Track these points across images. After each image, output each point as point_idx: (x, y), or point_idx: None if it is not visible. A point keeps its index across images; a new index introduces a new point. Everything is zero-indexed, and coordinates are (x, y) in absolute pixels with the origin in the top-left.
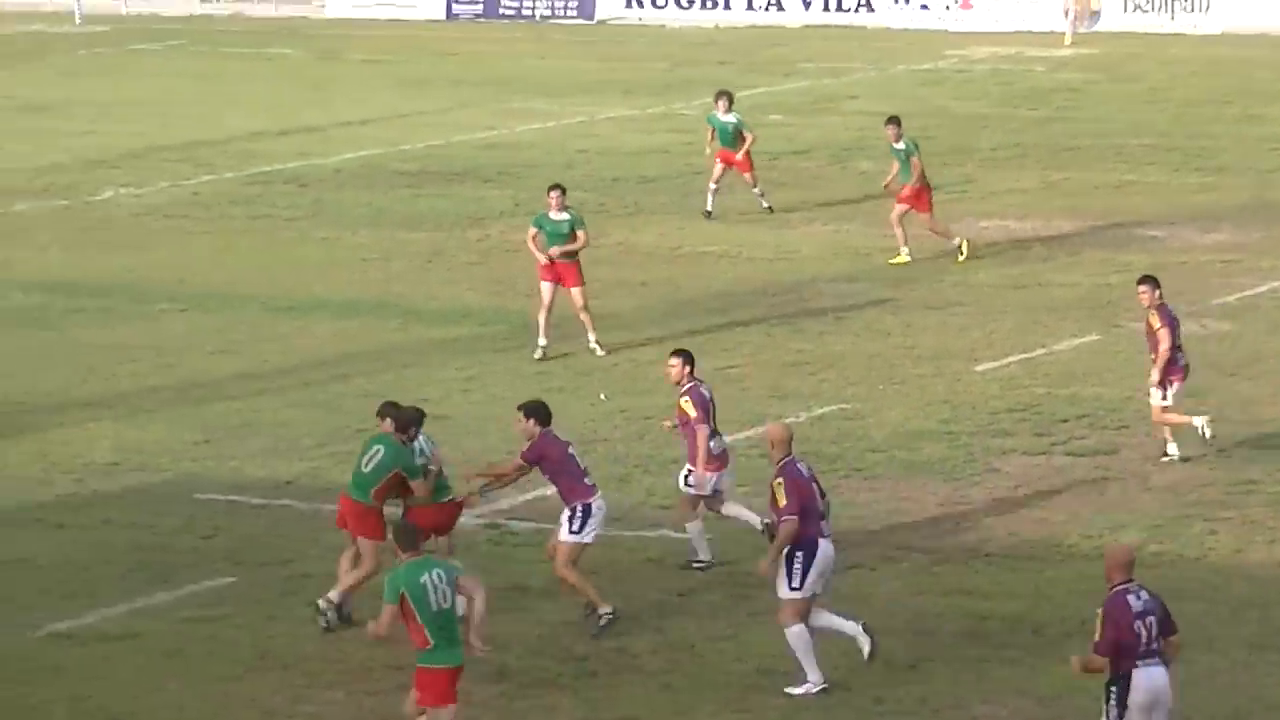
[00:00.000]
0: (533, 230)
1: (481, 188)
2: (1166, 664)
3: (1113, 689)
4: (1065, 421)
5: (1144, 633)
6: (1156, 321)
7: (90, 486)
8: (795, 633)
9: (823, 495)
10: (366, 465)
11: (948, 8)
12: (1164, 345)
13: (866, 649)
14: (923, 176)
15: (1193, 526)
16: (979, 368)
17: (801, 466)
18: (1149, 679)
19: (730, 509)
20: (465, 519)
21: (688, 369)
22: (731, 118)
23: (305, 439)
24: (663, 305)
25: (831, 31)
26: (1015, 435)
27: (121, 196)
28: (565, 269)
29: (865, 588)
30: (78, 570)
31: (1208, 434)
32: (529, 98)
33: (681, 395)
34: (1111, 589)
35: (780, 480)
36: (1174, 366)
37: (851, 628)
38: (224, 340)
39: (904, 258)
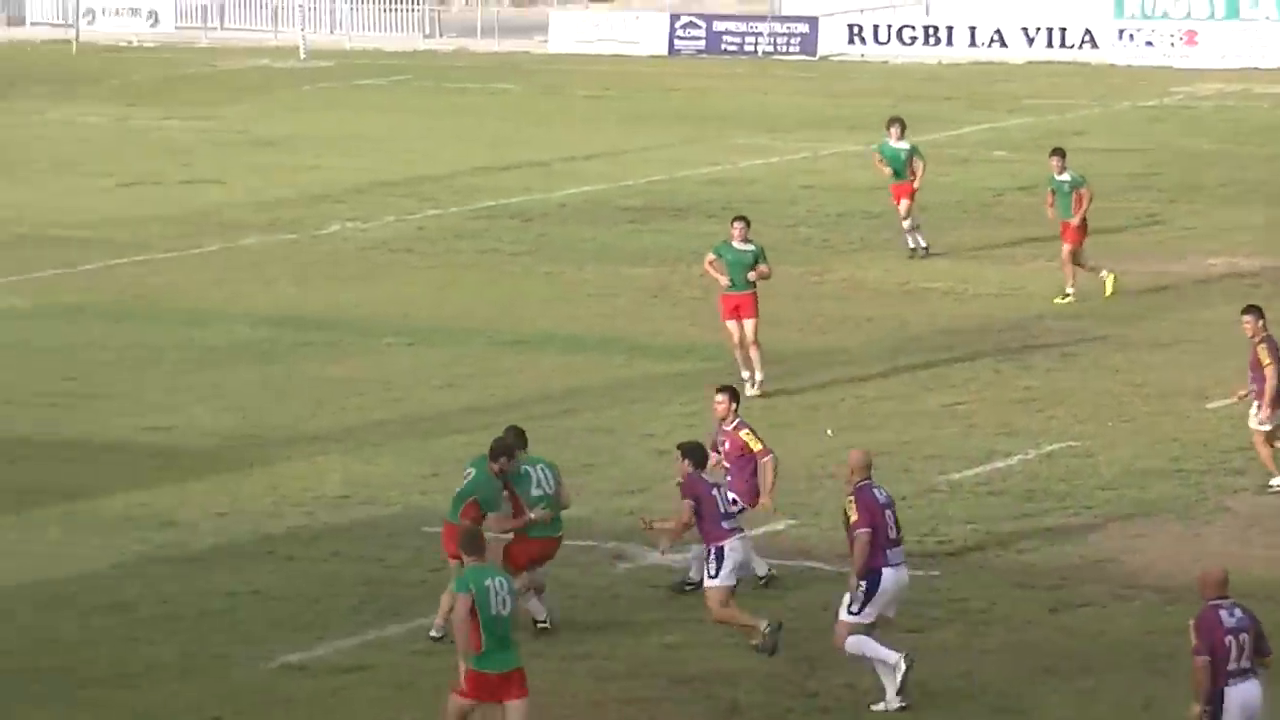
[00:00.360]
0: (710, 256)
1: (705, 223)
2: (1260, 681)
3: (1207, 708)
4: None
5: (1235, 649)
6: (1266, 357)
7: (320, 519)
8: (853, 643)
9: (897, 525)
10: (458, 487)
11: (1173, 44)
12: (1272, 382)
13: (899, 678)
14: (1085, 211)
15: None
16: (1210, 405)
17: (878, 492)
18: (1242, 695)
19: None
20: (695, 553)
21: (734, 405)
22: (904, 145)
23: None
24: (889, 340)
25: (1056, 68)
26: (1247, 474)
27: (347, 230)
28: (744, 302)
29: (1096, 625)
30: (309, 602)
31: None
32: (752, 133)
33: (738, 429)
34: (1205, 604)
35: (852, 499)
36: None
37: (893, 658)
38: (450, 374)
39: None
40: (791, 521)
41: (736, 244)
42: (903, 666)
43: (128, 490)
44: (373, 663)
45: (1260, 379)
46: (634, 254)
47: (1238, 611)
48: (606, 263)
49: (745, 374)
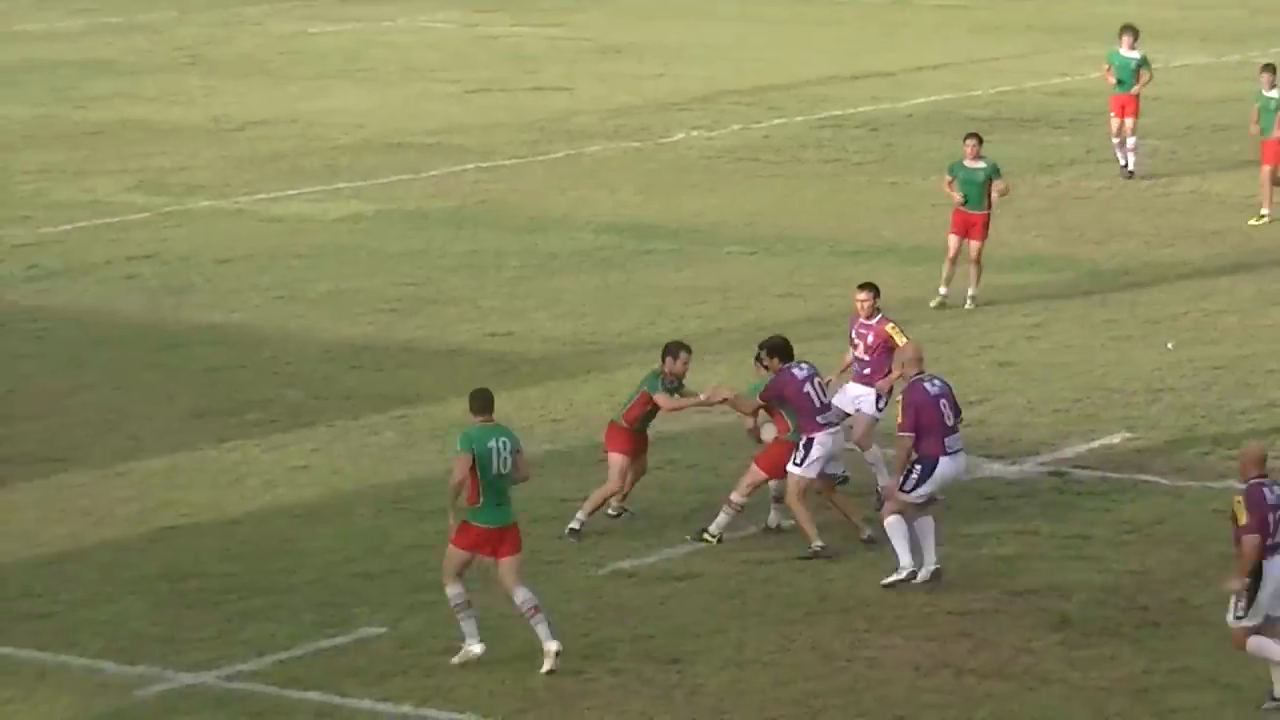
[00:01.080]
0: (947, 178)
1: (1052, 134)
2: None
3: (1247, 581)
4: None
5: (1273, 524)
6: None
7: (654, 427)
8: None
9: (956, 412)
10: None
11: None
12: None
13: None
14: None
15: None
16: None
17: (1269, 491)
18: (1277, 568)
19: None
20: (1031, 468)
21: (876, 301)
22: (1135, 54)
23: None
24: (1234, 255)
25: None
26: None
27: (692, 139)
28: (976, 222)
29: None
30: (642, 509)
31: None
32: (1102, 44)
33: (883, 322)
34: (1247, 482)
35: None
36: None
37: (930, 556)
38: (791, 283)
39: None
40: (1128, 435)
41: (968, 162)
42: (928, 570)
43: (464, 396)
44: (702, 571)
45: None
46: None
47: (1276, 489)
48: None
49: (944, 290)
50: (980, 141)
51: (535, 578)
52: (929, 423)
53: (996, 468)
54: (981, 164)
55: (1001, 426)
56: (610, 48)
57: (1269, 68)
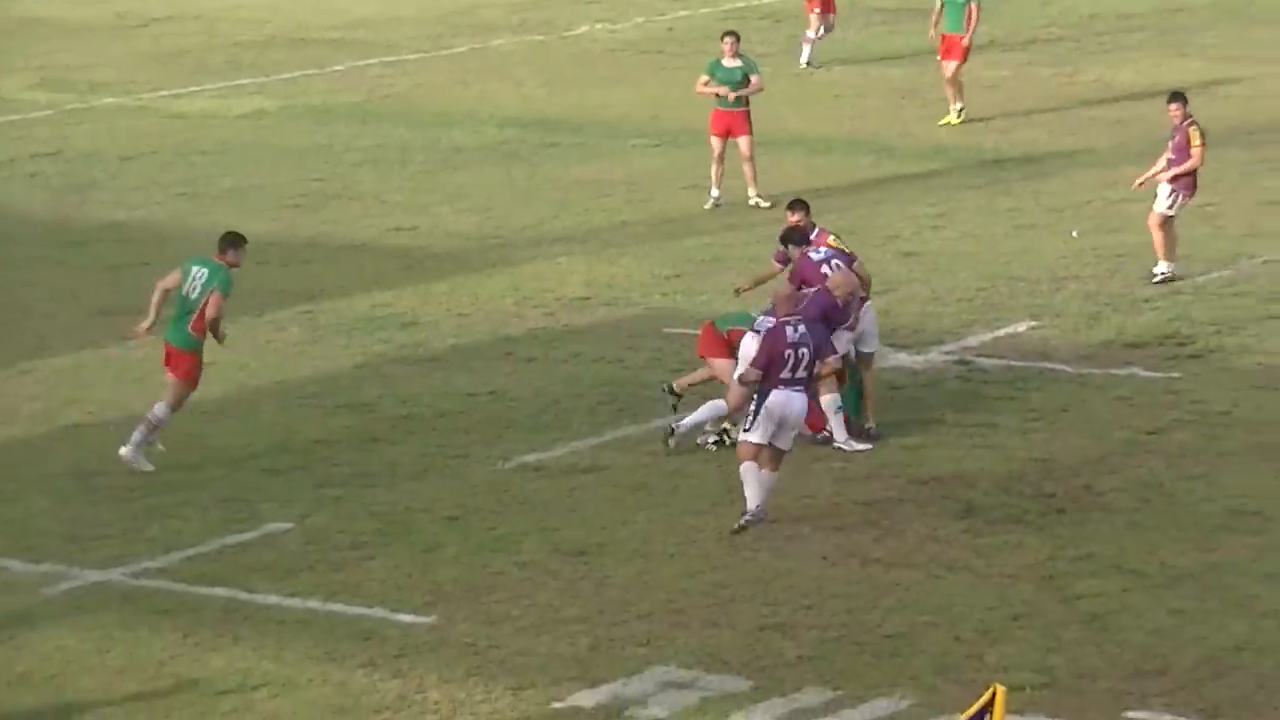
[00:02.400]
0: (704, 78)
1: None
2: None
3: None
4: None
5: (793, 362)
6: (1197, 139)
7: (561, 320)
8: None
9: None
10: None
11: None
12: (1195, 163)
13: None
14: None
15: None
16: None
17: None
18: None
19: None
20: (936, 357)
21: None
22: None
23: None
24: (1139, 143)
25: None
26: None
27: (597, 31)
28: (736, 119)
29: None
30: (547, 403)
31: (1158, 278)
32: None
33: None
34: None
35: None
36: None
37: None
38: (696, 176)
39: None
40: (1033, 323)
41: (726, 61)
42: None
43: (369, 291)
44: (609, 463)
45: (1180, 162)
46: (885, 55)
47: (801, 329)
48: (856, 64)
49: (715, 192)
50: (738, 39)
51: (441, 472)
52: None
53: (902, 357)
54: (739, 62)
55: (907, 316)
56: None
57: None
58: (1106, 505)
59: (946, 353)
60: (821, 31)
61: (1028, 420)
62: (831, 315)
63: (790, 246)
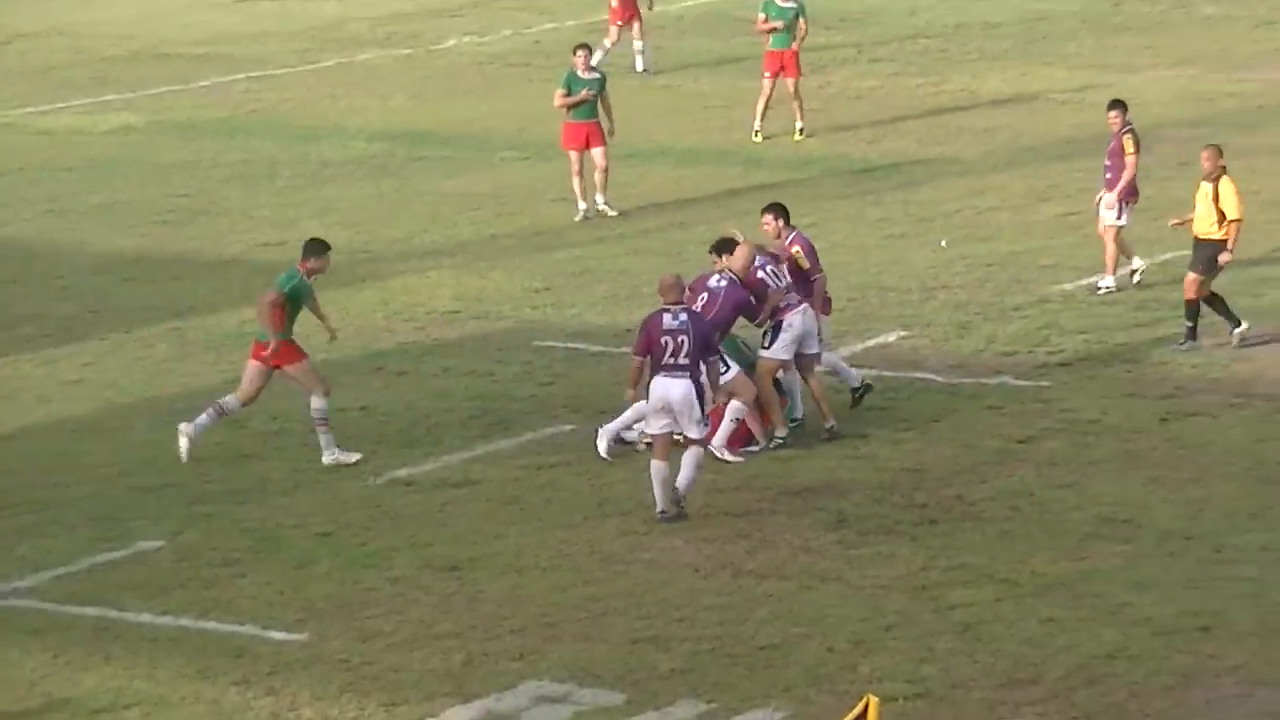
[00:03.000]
0: (561, 91)
1: (824, 35)
2: None
3: None
4: None
5: (673, 348)
6: (1130, 146)
7: (431, 334)
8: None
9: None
10: None
11: None
12: (1130, 174)
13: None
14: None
15: None
16: None
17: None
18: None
19: (830, 359)
20: None
21: (782, 222)
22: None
23: (645, 287)
24: (1005, 152)
25: None
26: None
27: (464, 45)
28: (591, 130)
29: (1206, 434)
30: (419, 418)
31: (1137, 279)
32: None
33: (791, 246)
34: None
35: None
36: (1133, 190)
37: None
38: (565, 188)
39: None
40: (903, 333)
41: (581, 73)
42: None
43: (238, 306)
44: (480, 477)
45: (1115, 169)
46: (751, 65)
47: (681, 316)
48: (724, 75)
49: (584, 204)
50: (590, 51)
51: (312, 488)
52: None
53: None
54: (596, 75)
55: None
56: None
57: None
58: (978, 515)
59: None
60: (618, 41)
61: (899, 430)
62: (743, 309)
63: (781, 221)
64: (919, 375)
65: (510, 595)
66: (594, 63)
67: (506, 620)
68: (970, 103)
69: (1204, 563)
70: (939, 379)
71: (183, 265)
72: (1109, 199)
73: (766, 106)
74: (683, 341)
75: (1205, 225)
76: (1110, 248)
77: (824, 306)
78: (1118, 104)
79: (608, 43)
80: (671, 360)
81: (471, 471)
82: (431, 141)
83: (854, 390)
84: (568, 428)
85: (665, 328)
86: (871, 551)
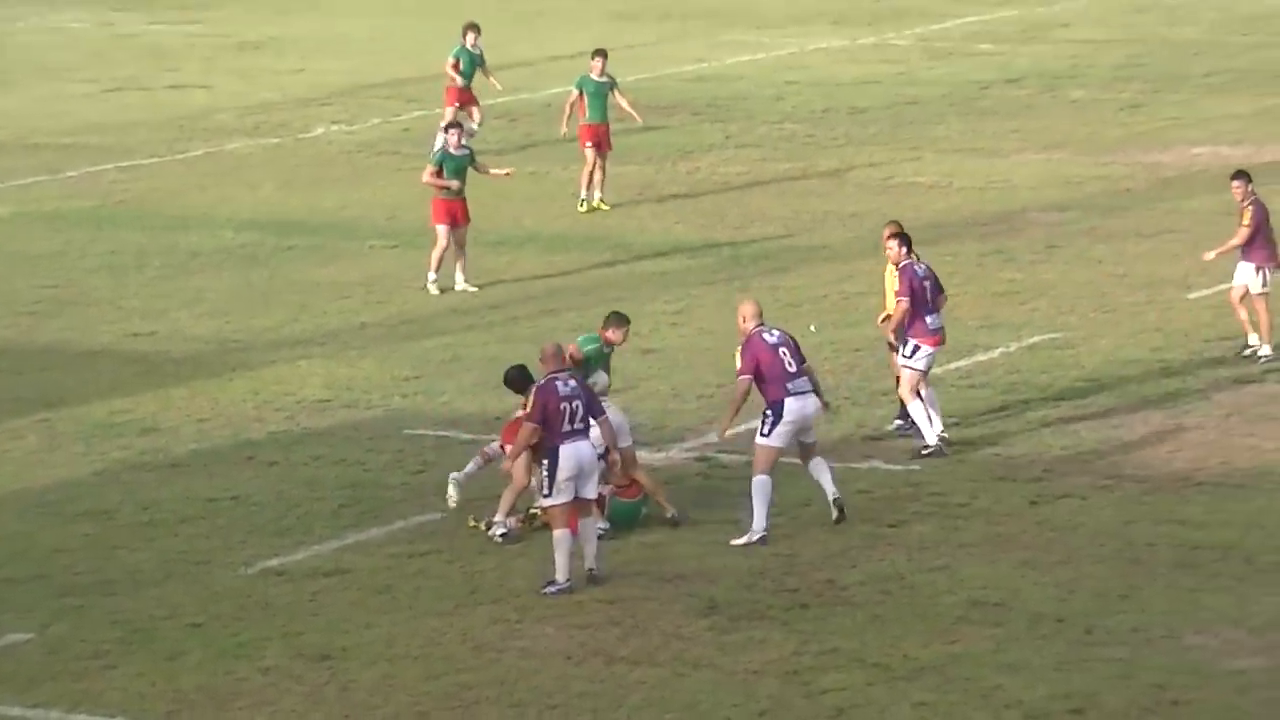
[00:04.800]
0: (432, 168)
1: (691, 121)
2: None
3: None
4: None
5: (569, 415)
6: (1246, 218)
7: (302, 423)
8: (758, 481)
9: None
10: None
11: None
12: (1233, 241)
13: (834, 515)
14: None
15: None
16: (1192, 295)
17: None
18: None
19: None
20: (677, 454)
21: (905, 249)
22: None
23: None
24: (873, 236)
25: None
26: (1229, 363)
27: (333, 133)
28: (460, 207)
29: (1076, 516)
30: (289, 507)
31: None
32: (739, 30)
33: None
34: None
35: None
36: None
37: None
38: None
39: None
40: None
41: (453, 150)
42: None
43: (108, 397)
44: (352, 566)
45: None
46: (620, 152)
47: (571, 382)
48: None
49: (435, 275)
50: (461, 130)
51: (183, 578)
52: (770, 370)
53: (643, 455)
54: (466, 151)
55: (647, 414)
56: (249, 44)
57: (600, 52)
58: (849, 599)
59: (687, 450)
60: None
61: (769, 515)
62: None
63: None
64: (788, 460)
65: (382, 684)
66: (464, 141)
67: (378, 709)
68: (837, 188)
69: (1075, 645)
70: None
71: (51, 356)
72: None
73: (591, 177)
74: (577, 406)
75: None
76: (1255, 311)
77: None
78: (1241, 174)
79: (474, 125)
80: (570, 425)
81: (343, 560)
82: (301, 230)
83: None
84: (438, 516)
85: (561, 395)
86: (743, 637)
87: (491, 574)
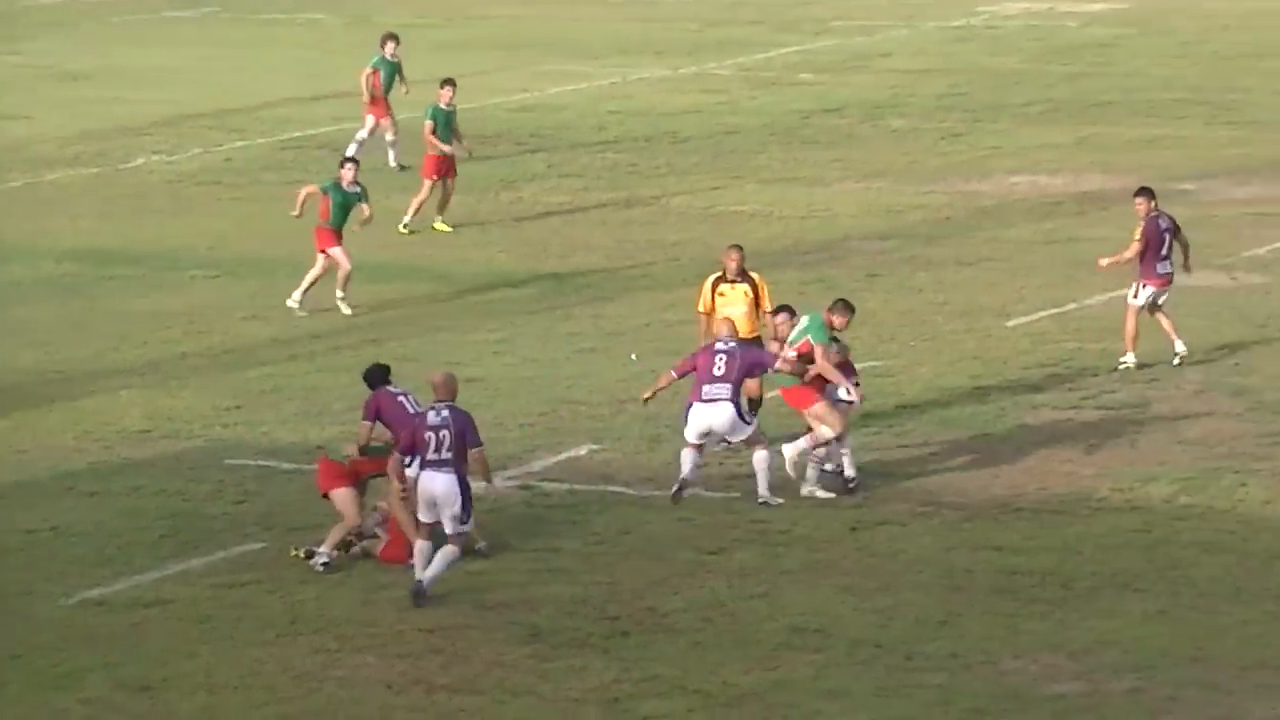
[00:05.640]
0: (312, 187)
1: (515, 150)
2: None
3: None
4: (1096, 376)
5: (436, 445)
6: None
7: (122, 454)
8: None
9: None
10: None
11: None
12: (1126, 254)
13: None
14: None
15: (1223, 479)
16: (1010, 323)
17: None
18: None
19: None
20: (499, 483)
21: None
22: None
23: (337, 403)
24: (695, 265)
25: None
26: (1046, 390)
27: (154, 163)
28: (338, 239)
29: (895, 543)
30: (110, 537)
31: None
32: (562, 60)
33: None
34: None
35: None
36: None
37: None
38: (255, 306)
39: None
40: (594, 446)
41: (346, 186)
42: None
43: None
44: (172, 597)
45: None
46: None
47: (445, 413)
48: (415, 191)
49: (297, 300)
50: (358, 166)
51: (2, 611)
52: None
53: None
54: (358, 189)
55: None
56: (70, 74)
57: (449, 82)
58: (670, 626)
59: (510, 478)
60: (372, 134)
61: (591, 544)
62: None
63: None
64: (610, 489)
65: (202, 714)
66: (350, 153)
67: None
68: (659, 217)
69: (894, 670)
70: (630, 491)
71: None
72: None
73: (423, 205)
74: (444, 436)
75: None
76: (1165, 322)
77: None
78: (1145, 191)
79: (364, 134)
80: (436, 455)
81: (164, 590)
82: (121, 261)
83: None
84: (259, 546)
85: (429, 424)
86: (564, 665)
87: (312, 604)
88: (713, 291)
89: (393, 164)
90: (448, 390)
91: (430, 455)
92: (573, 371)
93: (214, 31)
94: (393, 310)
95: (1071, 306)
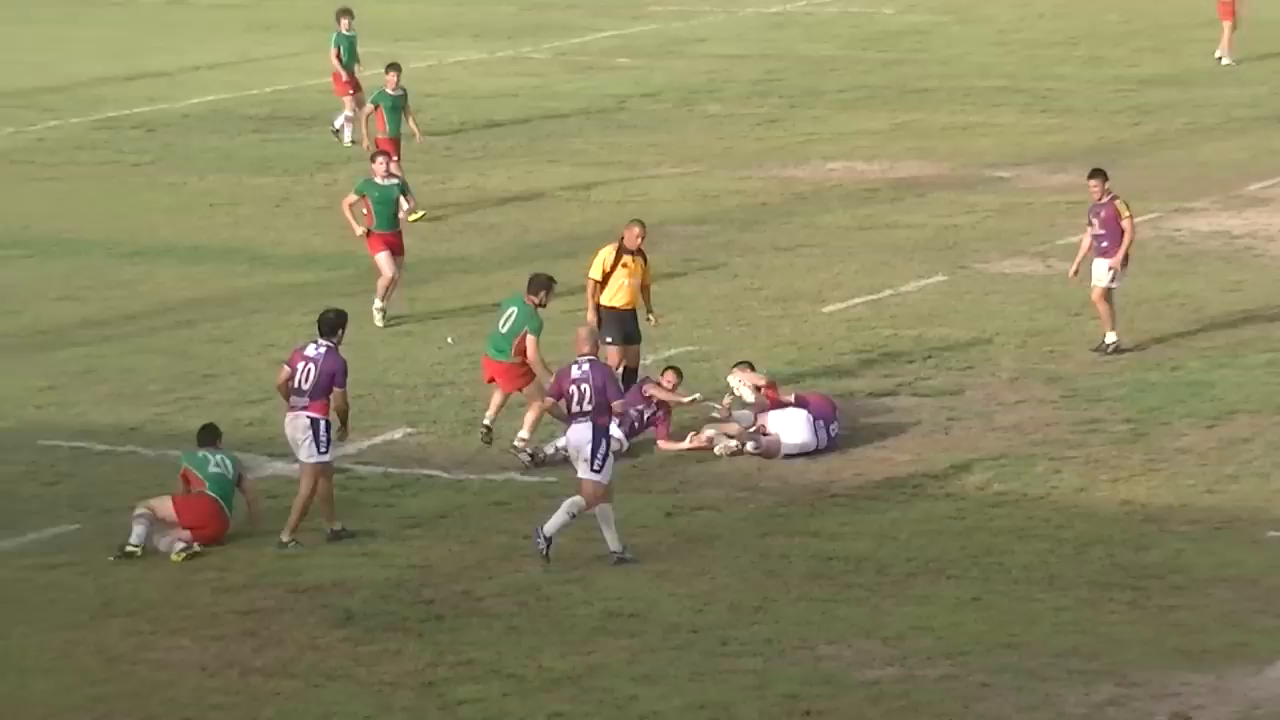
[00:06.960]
0: (349, 197)
1: (330, 133)
2: None
3: None
4: (911, 363)
5: (580, 397)
6: (1125, 210)
7: None
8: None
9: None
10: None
11: None
12: (1130, 236)
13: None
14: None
15: (1037, 465)
16: (826, 309)
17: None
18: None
19: None
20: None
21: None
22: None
23: (151, 385)
24: (511, 248)
25: None
26: (862, 376)
27: None
28: (395, 240)
29: (711, 528)
30: None
31: (1109, 347)
32: (378, 42)
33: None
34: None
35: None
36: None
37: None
38: (69, 286)
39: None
40: (409, 429)
41: (380, 180)
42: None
43: None
44: None
45: (1112, 236)
46: (258, 164)
47: (585, 366)
48: (230, 173)
49: (382, 303)
50: (389, 159)
51: None
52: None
53: (279, 466)
54: (396, 180)
55: (280, 426)
56: None
57: (393, 66)
58: (485, 610)
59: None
60: (354, 111)
61: (405, 527)
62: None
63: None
64: (426, 472)
65: (12, 696)
66: (344, 136)
67: None
68: (476, 200)
69: (710, 655)
70: (446, 475)
71: None
72: (1109, 262)
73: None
74: (584, 390)
75: None
76: (1102, 308)
77: None
78: (1099, 172)
79: (345, 114)
80: (578, 408)
81: None
82: None
83: None
84: (72, 527)
85: (572, 378)
86: (379, 648)
87: (125, 586)
88: (616, 260)
89: (347, 140)
90: (591, 344)
91: (574, 408)
92: (388, 354)
93: (21, 9)
94: (207, 292)
95: (888, 293)
